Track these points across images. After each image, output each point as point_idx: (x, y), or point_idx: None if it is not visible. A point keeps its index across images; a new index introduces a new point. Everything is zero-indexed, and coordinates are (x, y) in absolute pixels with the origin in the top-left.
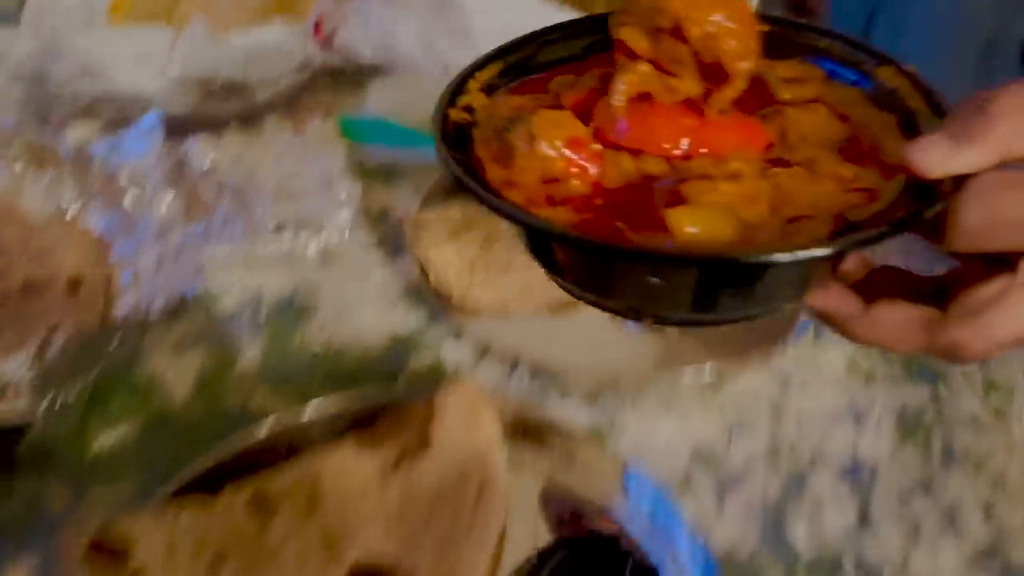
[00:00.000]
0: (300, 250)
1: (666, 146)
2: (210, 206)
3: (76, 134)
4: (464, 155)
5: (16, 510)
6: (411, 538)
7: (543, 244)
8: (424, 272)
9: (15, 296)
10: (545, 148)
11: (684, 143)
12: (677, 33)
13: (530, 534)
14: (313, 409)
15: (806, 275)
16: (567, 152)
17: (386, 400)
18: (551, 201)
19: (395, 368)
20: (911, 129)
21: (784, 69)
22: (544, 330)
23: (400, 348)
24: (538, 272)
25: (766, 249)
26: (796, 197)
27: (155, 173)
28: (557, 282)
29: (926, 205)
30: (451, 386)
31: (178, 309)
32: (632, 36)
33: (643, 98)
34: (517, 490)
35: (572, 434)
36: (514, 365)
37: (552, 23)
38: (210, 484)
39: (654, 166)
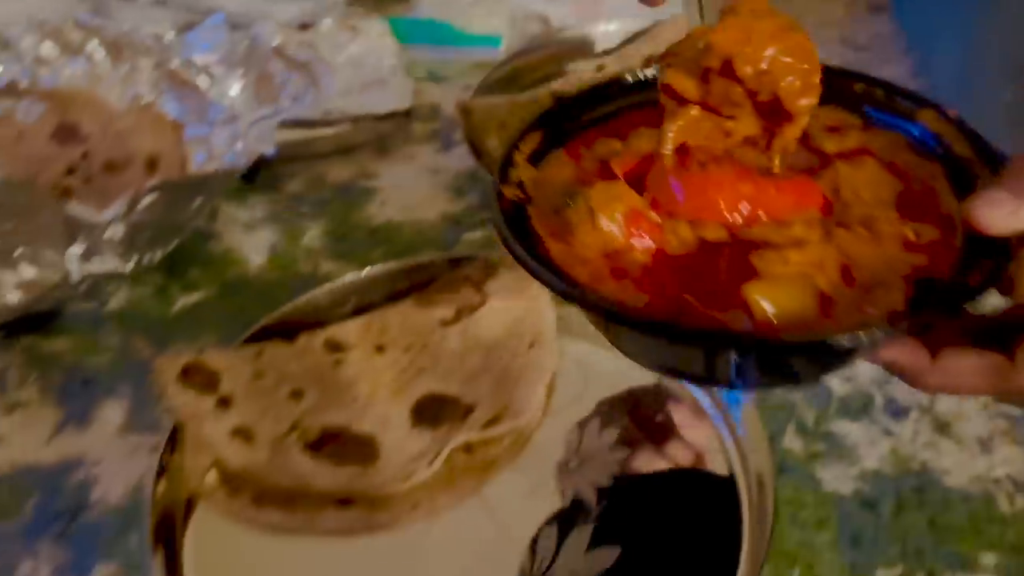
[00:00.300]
0: (357, 140)
1: (724, 213)
2: (279, 85)
3: (148, 32)
4: (523, 233)
5: (107, 359)
6: (470, 379)
7: (624, 328)
8: (475, 153)
9: (98, 174)
10: (605, 223)
11: (742, 208)
12: (728, 72)
13: (577, 385)
14: (377, 270)
15: (883, 343)
16: (627, 225)
17: (443, 263)
18: (616, 275)
19: (449, 243)
20: (959, 177)
21: (822, 117)
22: None
23: (453, 226)
24: None
25: (851, 328)
26: (863, 260)
27: (225, 61)
28: (627, 354)
29: (993, 262)
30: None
31: (247, 191)
32: (678, 79)
33: (697, 163)
34: (566, 346)
35: None
36: None
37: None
38: (285, 334)
39: (713, 233)
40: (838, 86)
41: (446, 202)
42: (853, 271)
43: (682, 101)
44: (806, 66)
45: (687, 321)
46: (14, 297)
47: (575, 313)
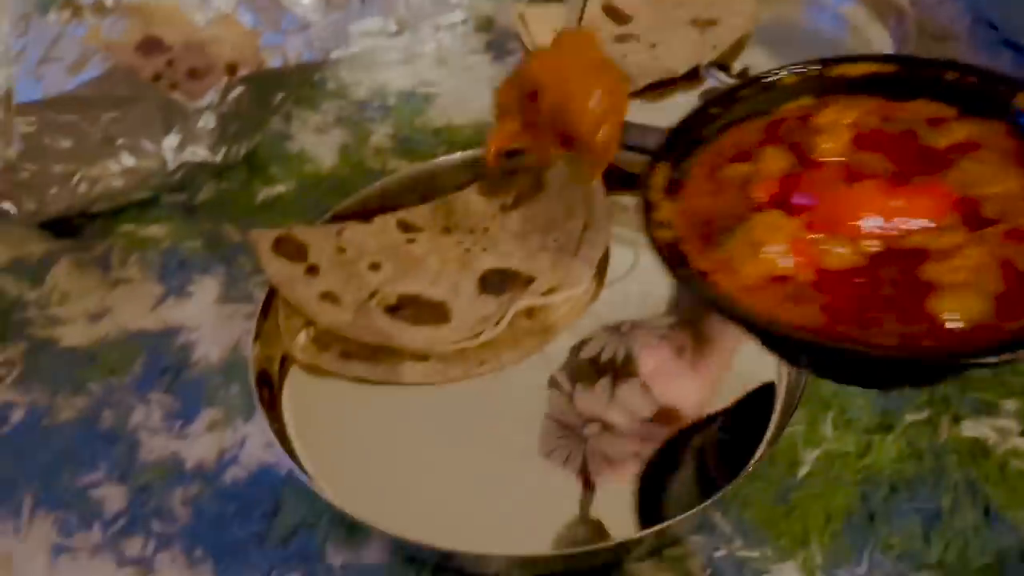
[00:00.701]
0: (418, 51)
1: (881, 229)
2: None
3: None
4: (690, 272)
5: (200, 242)
6: (529, 256)
7: (820, 356)
8: None
9: (183, 80)
10: (772, 253)
11: (897, 221)
12: (535, 99)
13: (628, 261)
14: (442, 161)
15: None
16: (792, 253)
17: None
18: (793, 300)
19: None
20: None
21: (920, 110)
22: (635, 107)
23: None
24: (637, 59)
25: None
26: (1015, 256)
27: None
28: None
29: None
30: None
31: (317, 98)
32: (503, 92)
33: (837, 180)
34: (616, 228)
35: None
36: None
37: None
38: (361, 217)
39: (871, 246)
40: (928, 76)
41: None
42: (1012, 265)
43: (504, 113)
44: (604, 103)
45: (878, 339)
46: (118, 183)
47: (624, 199)
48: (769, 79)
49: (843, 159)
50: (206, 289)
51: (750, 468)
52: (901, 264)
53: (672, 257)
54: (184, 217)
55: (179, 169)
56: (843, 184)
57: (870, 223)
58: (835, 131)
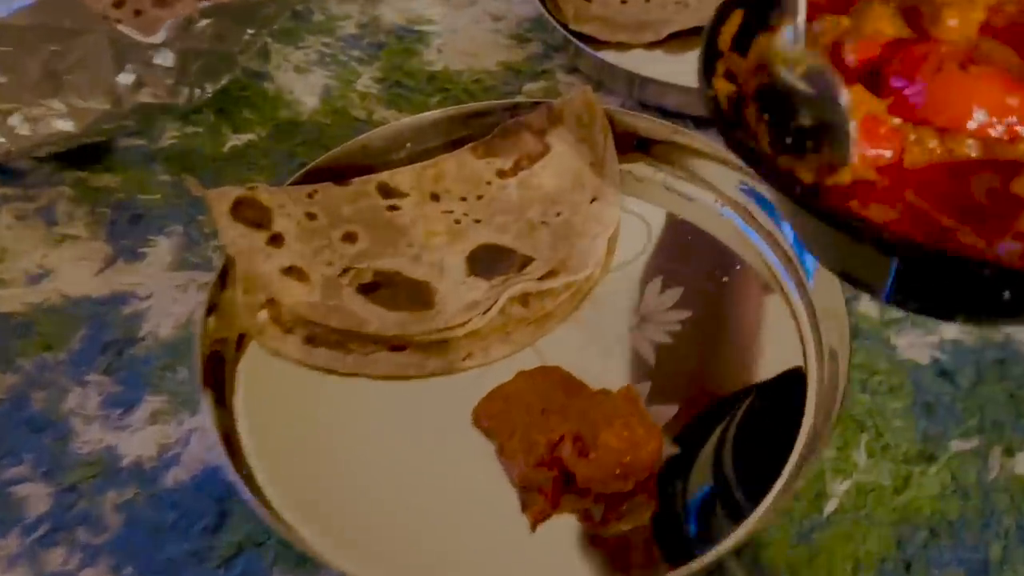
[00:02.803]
0: None
1: (985, 127)
2: None
3: None
4: (745, 139)
5: (157, 196)
6: (528, 231)
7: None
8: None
9: (148, 8)
10: None
11: (1006, 122)
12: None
13: (640, 242)
14: (433, 115)
15: None
16: (863, 135)
17: (503, 110)
18: (858, 197)
19: (510, 93)
20: None
21: None
22: (656, 60)
23: (515, 76)
24: (652, 5)
25: None
26: None
27: None
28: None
29: None
30: (570, 94)
31: (300, 32)
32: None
33: (954, 63)
34: (629, 203)
35: (686, 145)
36: (629, 96)
37: None
38: (337, 178)
39: (964, 147)
40: None
41: (507, 50)
42: None
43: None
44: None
45: (951, 249)
46: (64, 125)
47: (639, 168)
48: None
49: (965, 42)
50: (160, 251)
51: (764, 508)
52: (997, 173)
53: (727, 115)
54: (142, 165)
55: (135, 111)
56: (957, 68)
57: (977, 118)
58: (966, 7)
